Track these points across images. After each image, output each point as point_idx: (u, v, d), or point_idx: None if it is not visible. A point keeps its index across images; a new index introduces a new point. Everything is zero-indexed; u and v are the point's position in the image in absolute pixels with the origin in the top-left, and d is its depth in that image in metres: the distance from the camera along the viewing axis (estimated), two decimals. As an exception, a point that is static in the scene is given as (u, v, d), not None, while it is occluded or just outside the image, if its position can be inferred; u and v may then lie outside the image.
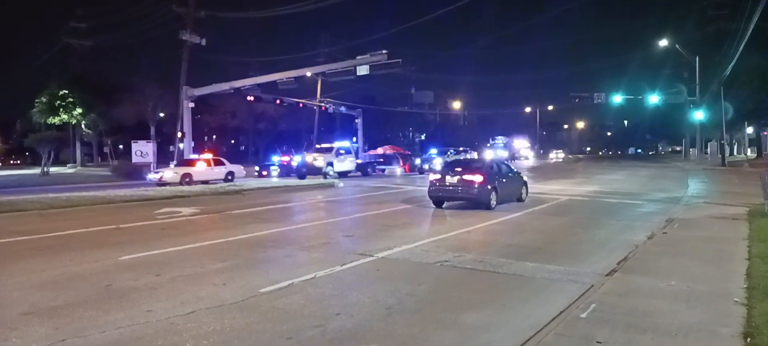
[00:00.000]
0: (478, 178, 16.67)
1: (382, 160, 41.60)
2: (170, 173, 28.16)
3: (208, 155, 33.15)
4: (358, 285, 7.55)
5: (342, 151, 36.23)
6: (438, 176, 17.68)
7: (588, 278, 7.87)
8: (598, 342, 5.09)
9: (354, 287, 7.46)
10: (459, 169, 17.52)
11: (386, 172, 39.33)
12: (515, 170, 20.28)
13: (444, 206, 17.26)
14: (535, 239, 11.36)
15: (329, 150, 35.82)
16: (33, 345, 5.25)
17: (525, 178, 19.96)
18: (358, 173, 37.10)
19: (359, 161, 38.90)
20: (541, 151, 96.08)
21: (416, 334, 5.60)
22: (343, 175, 34.27)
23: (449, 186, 17.02)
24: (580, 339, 5.19)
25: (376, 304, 6.62)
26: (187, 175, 28.46)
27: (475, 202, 16.64)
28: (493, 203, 16.54)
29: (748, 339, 5.15)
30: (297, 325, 5.83)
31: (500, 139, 75.88)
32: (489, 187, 16.58)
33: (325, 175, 32.57)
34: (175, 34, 38.84)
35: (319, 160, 33.79)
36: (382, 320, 6.03)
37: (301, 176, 32.81)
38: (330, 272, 8.26)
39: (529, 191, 19.44)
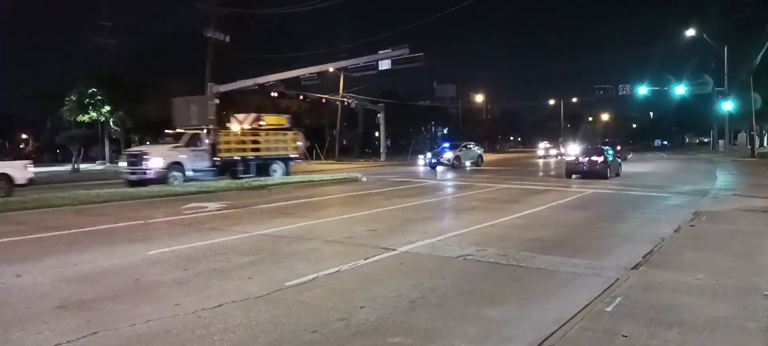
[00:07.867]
0: (600, 158, 25.28)
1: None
2: None
3: None
4: (381, 279, 7.60)
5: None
6: (573, 158, 26.64)
7: (612, 271, 7.82)
8: (623, 336, 5.07)
9: (377, 280, 7.52)
10: (587, 152, 26.81)
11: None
12: (614, 154, 28.33)
13: (572, 177, 25.42)
14: (558, 232, 11.28)
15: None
16: (65, 338, 5.39)
17: (619, 159, 28.75)
18: None
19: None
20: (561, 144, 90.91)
21: (439, 328, 5.64)
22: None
23: (581, 163, 25.61)
24: (604, 333, 5.17)
25: (399, 298, 6.67)
26: None
27: (599, 174, 24.59)
28: (609, 174, 24.97)
29: (777, 333, 5.07)
30: (322, 318, 5.90)
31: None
32: (606, 164, 24.99)
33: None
34: (199, 31, 39.33)
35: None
36: (405, 314, 6.08)
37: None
38: (353, 266, 8.33)
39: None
